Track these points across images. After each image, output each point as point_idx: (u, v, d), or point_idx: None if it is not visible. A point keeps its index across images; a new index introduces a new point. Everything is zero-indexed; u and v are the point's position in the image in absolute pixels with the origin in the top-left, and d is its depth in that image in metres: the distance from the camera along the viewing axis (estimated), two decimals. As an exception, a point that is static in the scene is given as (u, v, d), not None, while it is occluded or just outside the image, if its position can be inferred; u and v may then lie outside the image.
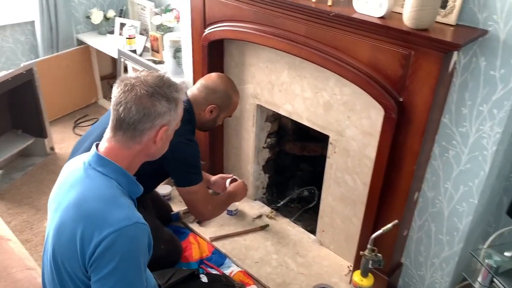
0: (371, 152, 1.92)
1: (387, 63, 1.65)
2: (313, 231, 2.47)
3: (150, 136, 1.20)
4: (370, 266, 1.81)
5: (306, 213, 2.66)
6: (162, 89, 1.18)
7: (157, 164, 1.89)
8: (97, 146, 1.25)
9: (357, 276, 1.88)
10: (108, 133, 1.22)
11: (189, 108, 1.96)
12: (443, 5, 1.55)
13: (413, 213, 1.97)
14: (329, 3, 1.71)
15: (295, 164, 2.86)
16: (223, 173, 2.48)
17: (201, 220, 2.44)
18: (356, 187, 2.09)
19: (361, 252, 1.80)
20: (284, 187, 2.83)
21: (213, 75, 2.06)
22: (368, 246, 1.78)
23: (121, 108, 1.16)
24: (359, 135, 1.98)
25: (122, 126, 1.17)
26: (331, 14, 1.66)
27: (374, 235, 1.76)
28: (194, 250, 2.31)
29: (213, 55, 2.36)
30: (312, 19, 1.78)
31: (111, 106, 1.21)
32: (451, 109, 1.69)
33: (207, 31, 2.25)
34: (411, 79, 1.61)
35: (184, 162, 1.90)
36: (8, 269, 1.68)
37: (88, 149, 1.89)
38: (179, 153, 1.85)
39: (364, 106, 1.90)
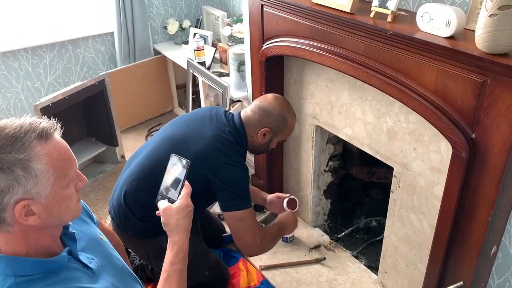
0: (440, 192, 1.62)
1: (457, 92, 1.36)
2: (376, 269, 2.19)
3: (11, 217, 0.91)
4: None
5: (372, 246, 2.39)
6: None
7: (204, 184, 1.80)
8: None
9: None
10: None
11: (241, 129, 1.83)
12: (533, 22, 1.22)
13: (491, 269, 1.63)
14: (389, 19, 1.46)
15: (364, 191, 2.59)
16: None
17: (248, 255, 2.11)
18: (423, 229, 1.80)
19: (416, 313, 1.53)
20: (350, 215, 2.57)
21: (269, 96, 1.90)
22: (426, 307, 1.50)
23: None
24: (426, 170, 1.69)
25: None
26: (387, 33, 1.41)
27: (433, 296, 1.47)
28: (242, 278, 2.17)
29: (273, 70, 2.20)
30: (370, 37, 1.54)
31: None
32: (541, 151, 1.35)
33: (265, 46, 2.09)
34: (487, 113, 1.31)
35: (229, 183, 1.75)
36: None
37: (134, 169, 1.87)
38: (224, 175, 1.73)
39: (433, 137, 1.61)
